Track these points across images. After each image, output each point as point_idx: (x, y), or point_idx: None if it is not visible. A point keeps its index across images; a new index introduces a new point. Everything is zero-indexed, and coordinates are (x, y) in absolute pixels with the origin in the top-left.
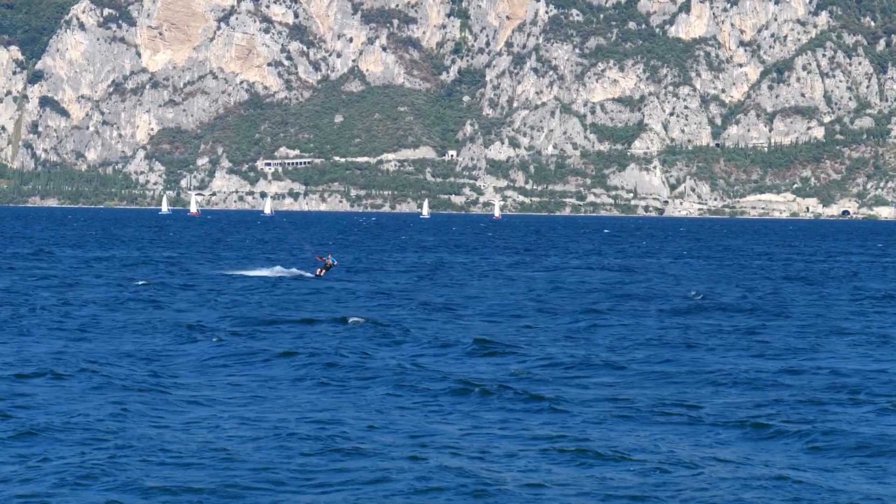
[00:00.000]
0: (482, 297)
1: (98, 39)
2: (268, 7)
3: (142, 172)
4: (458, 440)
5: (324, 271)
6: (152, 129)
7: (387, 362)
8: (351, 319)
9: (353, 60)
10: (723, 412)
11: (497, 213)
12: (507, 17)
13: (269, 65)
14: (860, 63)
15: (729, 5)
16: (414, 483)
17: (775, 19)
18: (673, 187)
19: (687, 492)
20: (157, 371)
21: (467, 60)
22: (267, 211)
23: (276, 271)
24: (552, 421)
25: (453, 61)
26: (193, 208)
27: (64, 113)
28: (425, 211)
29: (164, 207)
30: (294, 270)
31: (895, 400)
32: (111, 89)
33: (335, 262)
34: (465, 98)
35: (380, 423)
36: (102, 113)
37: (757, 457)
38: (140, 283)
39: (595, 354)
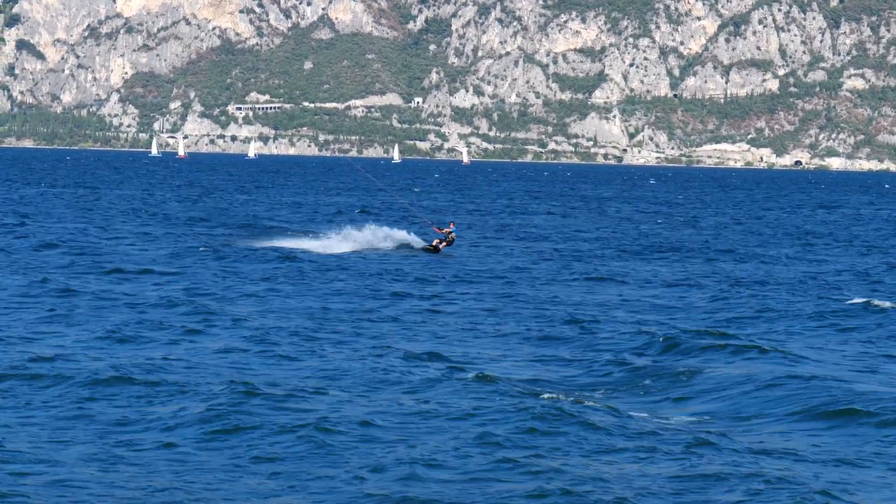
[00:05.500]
0: None
1: None
2: None
3: (116, 115)
4: None
5: (444, 244)
6: (126, 73)
7: None
8: None
9: (323, 9)
10: None
11: (465, 158)
12: None
13: (240, 12)
14: (814, 18)
15: None
16: None
17: None
18: (632, 136)
19: None
20: None
21: (434, 10)
22: (251, 154)
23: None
24: None
25: (420, 11)
26: (181, 151)
27: (40, 56)
28: (396, 156)
29: (154, 150)
30: (401, 234)
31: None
32: (86, 33)
33: (455, 234)
34: (432, 47)
35: None
36: (78, 56)
37: None
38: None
39: None
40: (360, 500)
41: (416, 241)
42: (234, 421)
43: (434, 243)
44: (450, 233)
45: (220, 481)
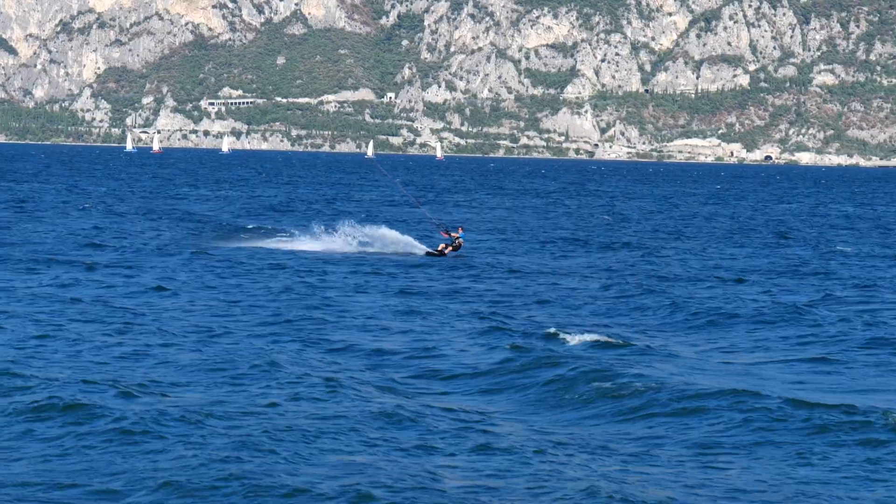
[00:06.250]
0: None
1: None
2: None
3: (88, 110)
4: None
5: (450, 249)
6: (98, 68)
7: None
8: None
9: (296, 4)
10: None
11: (439, 154)
12: None
13: (213, 7)
14: (784, 14)
15: None
16: None
17: None
18: (603, 131)
19: None
20: None
21: (406, 6)
22: (225, 149)
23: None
24: None
25: (393, 6)
26: (156, 146)
27: (12, 51)
28: (370, 151)
29: (129, 145)
30: (409, 241)
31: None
32: (59, 28)
33: (462, 240)
34: (404, 42)
35: None
36: (50, 52)
37: None
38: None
39: None
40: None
41: (419, 247)
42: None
43: (440, 248)
44: (457, 238)
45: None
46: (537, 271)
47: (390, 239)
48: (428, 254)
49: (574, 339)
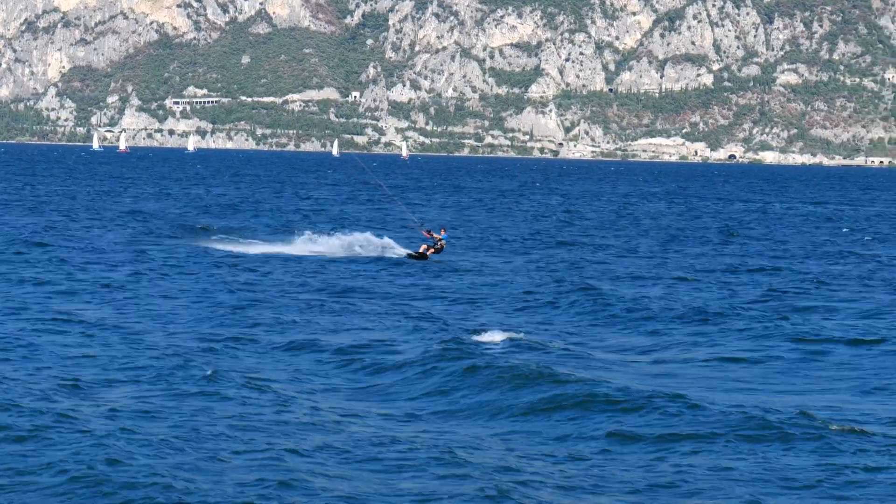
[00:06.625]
0: None
1: None
2: None
3: (53, 109)
4: None
5: (431, 251)
6: (64, 67)
7: None
8: None
9: (261, 3)
10: None
11: (405, 153)
12: None
13: (178, 6)
14: (748, 13)
15: None
16: None
17: None
18: (567, 130)
19: None
20: None
21: (371, 5)
22: (190, 148)
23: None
24: None
25: (357, 5)
26: (122, 145)
27: None
28: (335, 151)
29: (95, 144)
30: (388, 242)
31: None
32: (24, 28)
33: (445, 242)
34: (369, 41)
35: None
36: (15, 51)
37: None
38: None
39: None
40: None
41: (399, 249)
42: None
43: (422, 249)
44: (440, 239)
45: None
46: (477, 270)
47: (367, 242)
48: (409, 256)
49: (492, 338)
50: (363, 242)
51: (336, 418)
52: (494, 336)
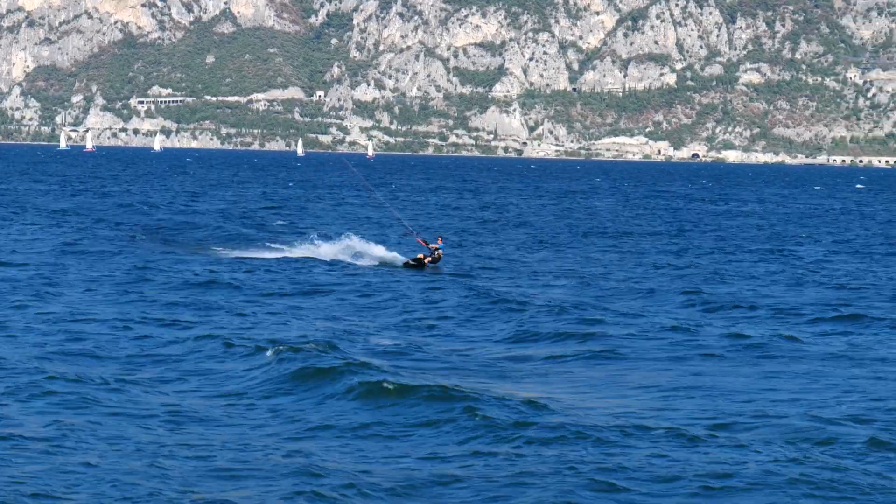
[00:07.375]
0: None
1: None
2: None
3: (17, 109)
4: None
5: (428, 260)
6: (28, 67)
7: None
8: None
9: (225, 3)
10: None
11: (370, 152)
12: None
13: (142, 5)
14: (710, 13)
15: None
16: None
17: None
18: (532, 129)
19: None
20: None
21: (335, 4)
22: (157, 147)
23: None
24: None
25: (322, 5)
26: (89, 144)
27: None
28: (300, 150)
29: (62, 143)
30: (377, 250)
31: None
32: None
33: (441, 251)
34: (333, 41)
35: None
36: None
37: None
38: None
39: None
40: None
41: (397, 258)
42: None
43: (419, 257)
44: (437, 249)
45: None
46: (387, 272)
47: (376, 254)
48: (406, 265)
49: (362, 345)
50: (359, 251)
51: (186, 413)
52: (368, 342)
